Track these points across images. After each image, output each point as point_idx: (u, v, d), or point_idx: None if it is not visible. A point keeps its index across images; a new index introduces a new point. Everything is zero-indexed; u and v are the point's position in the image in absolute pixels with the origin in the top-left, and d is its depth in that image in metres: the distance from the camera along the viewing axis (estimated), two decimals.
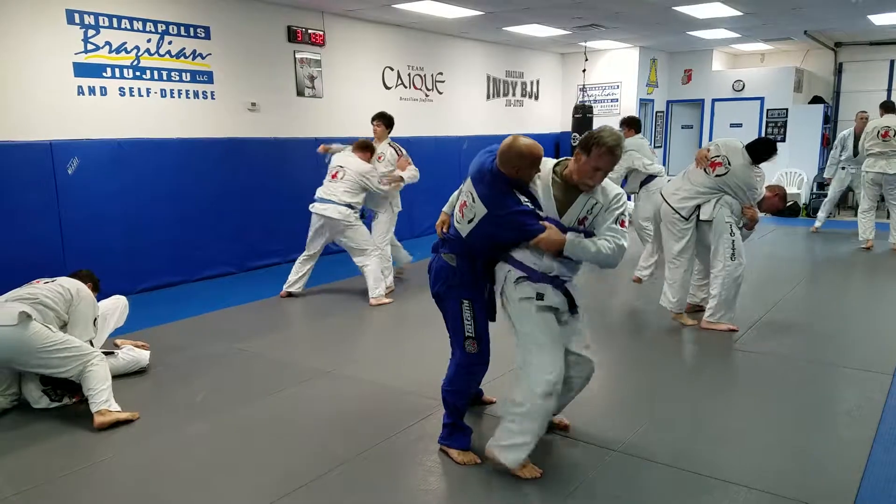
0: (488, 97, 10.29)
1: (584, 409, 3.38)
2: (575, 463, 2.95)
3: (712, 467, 2.90)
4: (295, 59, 7.32)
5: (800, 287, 6.17)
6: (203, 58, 6.48)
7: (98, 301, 4.25)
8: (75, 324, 3.69)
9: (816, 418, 3.46)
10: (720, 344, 4.60)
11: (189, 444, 3.24)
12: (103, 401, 3.42)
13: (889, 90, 11.24)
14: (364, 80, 8.21)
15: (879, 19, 8.94)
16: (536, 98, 11.35)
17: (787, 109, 11.33)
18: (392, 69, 8.55)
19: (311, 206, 5.90)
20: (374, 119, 6.16)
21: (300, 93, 7.42)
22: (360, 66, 8.12)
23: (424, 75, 9.06)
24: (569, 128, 10.25)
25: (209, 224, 6.63)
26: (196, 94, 6.47)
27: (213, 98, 6.60)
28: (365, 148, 5.90)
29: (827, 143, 11.53)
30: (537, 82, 11.30)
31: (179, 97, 6.35)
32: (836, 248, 8.03)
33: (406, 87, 8.79)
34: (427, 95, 9.15)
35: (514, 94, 10.82)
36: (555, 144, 11.75)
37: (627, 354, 4.55)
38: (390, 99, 8.58)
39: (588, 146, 2.68)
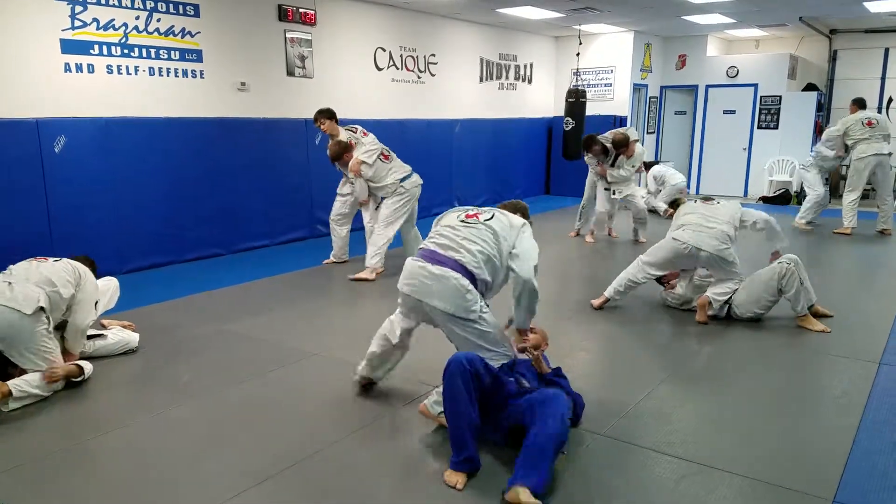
0: (481, 80, 10.22)
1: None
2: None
3: (695, 452, 2.92)
4: (285, 38, 7.23)
5: None
6: (192, 36, 6.39)
7: None
8: (80, 306, 3.72)
9: (802, 405, 3.49)
10: (706, 331, 4.62)
11: (177, 425, 3.23)
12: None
13: (883, 78, 11.24)
14: (355, 60, 8.13)
15: (875, 6, 8.91)
16: (530, 82, 11.28)
17: (780, 97, 11.32)
18: (384, 50, 8.47)
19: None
20: (315, 121, 6.17)
21: (290, 73, 7.34)
22: (351, 47, 8.03)
23: (417, 56, 8.98)
24: (562, 112, 10.19)
25: (197, 205, 6.58)
26: (185, 73, 6.39)
27: (201, 77, 6.52)
28: (343, 153, 5.89)
29: (820, 130, 11.53)
30: (531, 66, 11.23)
31: (168, 75, 6.26)
32: (822, 234, 8.07)
33: (398, 69, 8.71)
34: (419, 77, 9.08)
35: (507, 78, 10.75)
36: (547, 129, 11.71)
37: (612, 337, 4.56)
38: (382, 80, 8.51)
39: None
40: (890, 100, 11.16)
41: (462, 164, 9.89)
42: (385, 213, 5.98)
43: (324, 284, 5.89)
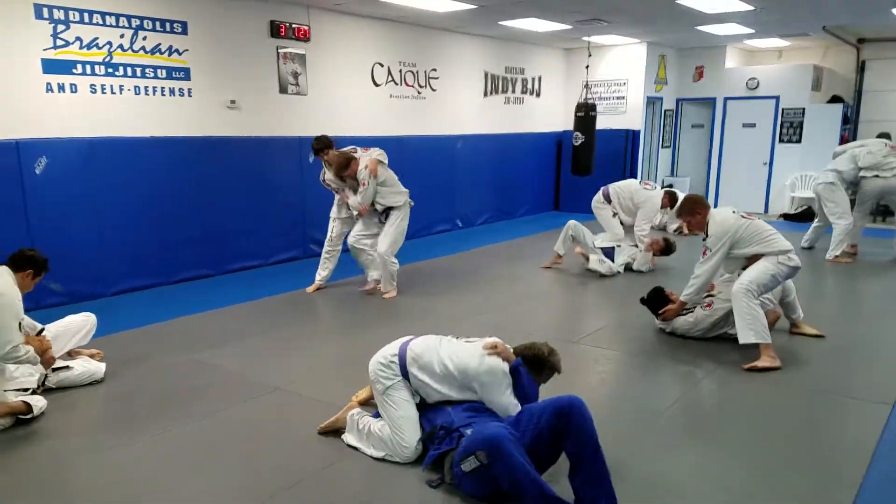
0: (486, 94, 9.98)
1: None
2: None
3: (684, 497, 2.61)
4: (278, 54, 7.08)
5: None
6: (179, 54, 6.26)
7: (69, 316, 4.16)
8: None
9: (804, 453, 3.14)
10: (708, 365, 4.28)
11: (123, 465, 3.03)
12: None
13: None
14: (352, 76, 7.95)
15: None
16: (538, 95, 11.01)
17: (803, 109, 10.87)
18: (382, 65, 8.28)
19: None
20: (318, 152, 5.92)
21: (283, 90, 7.18)
22: (347, 63, 7.86)
23: (417, 71, 8.78)
24: (573, 126, 9.91)
25: (185, 225, 6.43)
26: (172, 92, 6.26)
27: (189, 95, 6.38)
28: (350, 161, 5.68)
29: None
30: (539, 79, 10.96)
31: (154, 94, 6.14)
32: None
33: (397, 84, 8.52)
34: (419, 93, 8.87)
35: (513, 91, 10.50)
36: (557, 143, 11.41)
37: (608, 368, 4.26)
38: (380, 96, 8.32)
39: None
40: None
41: (465, 181, 9.64)
42: (393, 229, 5.84)
43: (309, 310, 5.68)
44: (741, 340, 4.21)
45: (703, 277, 4.42)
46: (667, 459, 3.07)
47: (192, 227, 6.48)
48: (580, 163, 9.96)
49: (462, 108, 9.59)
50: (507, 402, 2.88)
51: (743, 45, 11.47)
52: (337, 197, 6.03)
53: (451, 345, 3.03)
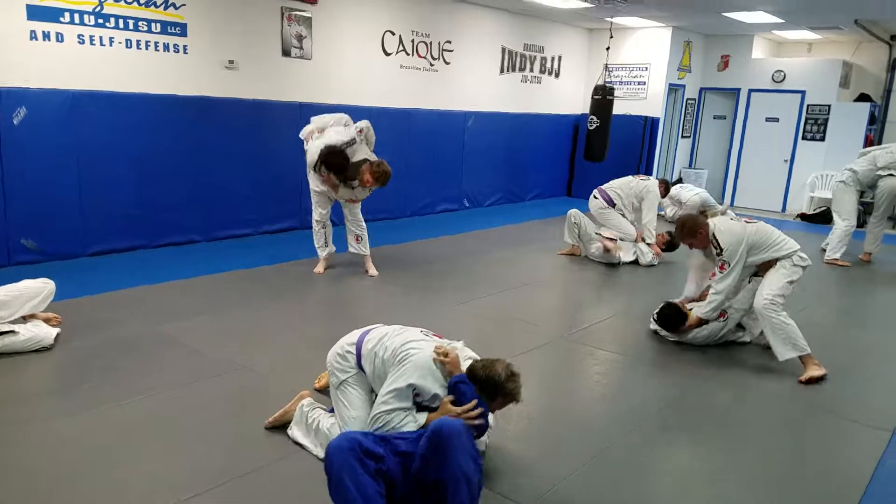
0: (502, 71, 9.62)
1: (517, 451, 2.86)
2: None
3: None
4: (282, 14, 6.77)
5: (804, 314, 5.49)
6: (176, 8, 5.98)
7: (25, 280, 3.92)
8: None
9: (797, 475, 2.89)
10: (710, 369, 4.01)
11: (72, 435, 2.87)
12: None
13: None
14: (361, 43, 7.63)
15: None
16: (557, 75, 10.62)
17: (829, 106, 10.41)
18: (393, 34, 7.95)
19: None
20: (332, 169, 5.29)
21: (286, 52, 6.89)
22: (356, 29, 7.54)
23: (430, 42, 8.44)
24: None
25: (174, 187, 6.20)
26: (166, 47, 5.99)
27: (185, 52, 6.11)
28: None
29: (871, 145, 10.59)
30: (559, 58, 10.56)
31: (147, 49, 5.88)
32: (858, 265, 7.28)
33: (408, 55, 8.19)
34: (432, 65, 8.53)
35: (531, 70, 10.12)
36: (574, 127, 11.04)
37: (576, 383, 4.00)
38: (389, 66, 8.00)
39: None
40: None
41: (474, 160, 9.32)
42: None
43: (297, 286, 5.42)
44: (781, 357, 3.95)
45: (724, 293, 4.16)
46: (655, 468, 2.82)
47: (181, 190, 6.25)
48: (593, 148, 9.61)
49: (476, 84, 9.24)
50: (390, 403, 2.45)
51: (771, 36, 10.98)
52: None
53: (407, 334, 2.69)
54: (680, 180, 10.62)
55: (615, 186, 6.78)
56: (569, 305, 5.64)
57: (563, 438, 3.11)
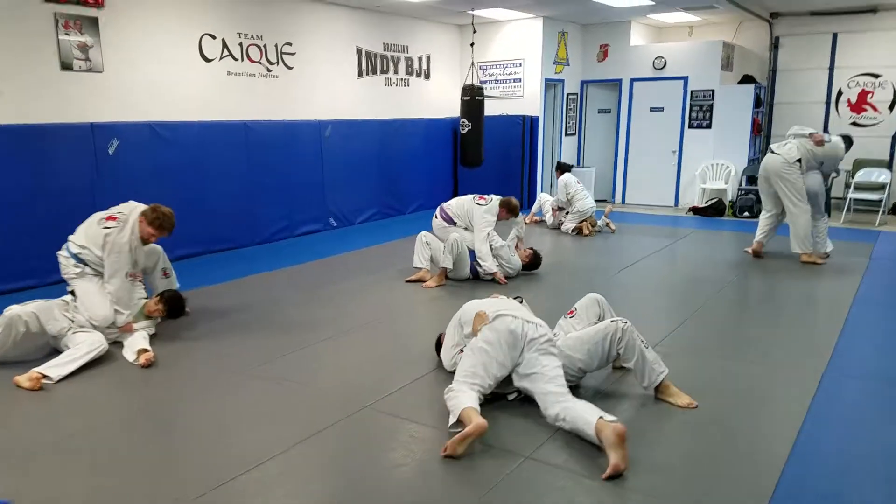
0: (360, 74, 8.69)
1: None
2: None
3: None
4: (56, 22, 5.62)
5: (689, 324, 4.75)
6: None
7: None
8: None
9: None
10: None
11: None
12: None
13: (831, 68, 9.95)
14: (170, 49, 6.54)
15: None
16: (427, 77, 9.79)
17: (713, 91, 9.95)
18: (214, 37, 6.89)
19: None
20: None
21: (67, 67, 5.73)
22: (163, 34, 6.44)
23: (264, 45, 7.42)
24: None
25: None
26: None
27: None
28: None
29: (759, 129, 10.22)
30: (427, 58, 9.73)
31: None
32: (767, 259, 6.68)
33: (236, 60, 7.13)
34: (270, 70, 7.51)
35: (395, 72, 9.24)
36: (452, 131, 10.21)
37: None
38: (213, 74, 6.94)
39: None
40: (839, 93, 9.88)
41: (338, 173, 8.34)
42: None
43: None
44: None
45: None
46: None
47: None
48: (468, 153, 8.82)
49: (329, 90, 8.28)
50: None
51: (649, 21, 10.47)
52: None
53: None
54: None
55: (453, 206, 6.11)
56: (392, 355, 4.63)
57: None
